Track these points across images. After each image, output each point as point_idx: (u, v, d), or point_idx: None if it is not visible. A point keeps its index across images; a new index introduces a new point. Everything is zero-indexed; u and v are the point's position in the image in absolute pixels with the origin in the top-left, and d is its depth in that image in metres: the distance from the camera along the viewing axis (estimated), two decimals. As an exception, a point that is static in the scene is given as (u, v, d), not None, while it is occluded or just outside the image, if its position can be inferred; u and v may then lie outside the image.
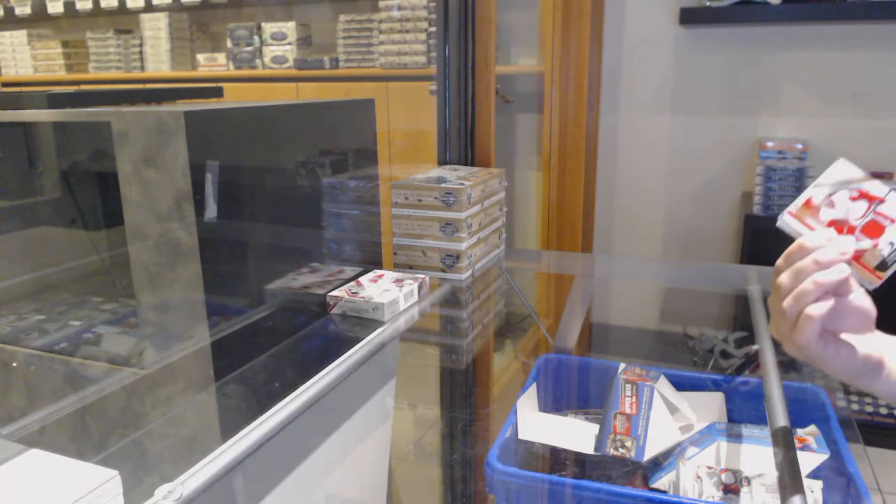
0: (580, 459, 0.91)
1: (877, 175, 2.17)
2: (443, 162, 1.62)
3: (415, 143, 2.60)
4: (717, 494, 0.76)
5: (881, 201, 0.59)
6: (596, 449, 0.88)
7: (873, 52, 2.23)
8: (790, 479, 0.62)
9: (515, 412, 0.91)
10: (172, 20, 3.27)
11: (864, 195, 0.60)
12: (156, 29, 3.30)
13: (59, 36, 3.68)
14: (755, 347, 1.14)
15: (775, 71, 2.36)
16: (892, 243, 0.58)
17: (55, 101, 1.05)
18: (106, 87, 3.30)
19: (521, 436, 0.89)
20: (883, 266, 0.58)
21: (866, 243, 0.59)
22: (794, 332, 0.59)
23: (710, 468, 0.79)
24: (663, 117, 2.54)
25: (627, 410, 0.88)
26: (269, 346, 0.99)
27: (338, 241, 1.21)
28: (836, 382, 0.98)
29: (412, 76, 2.72)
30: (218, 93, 1.45)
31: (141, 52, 3.39)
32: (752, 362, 1.13)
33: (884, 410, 2.14)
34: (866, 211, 0.60)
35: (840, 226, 0.61)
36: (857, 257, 0.59)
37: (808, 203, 0.65)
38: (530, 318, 1.40)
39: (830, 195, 0.63)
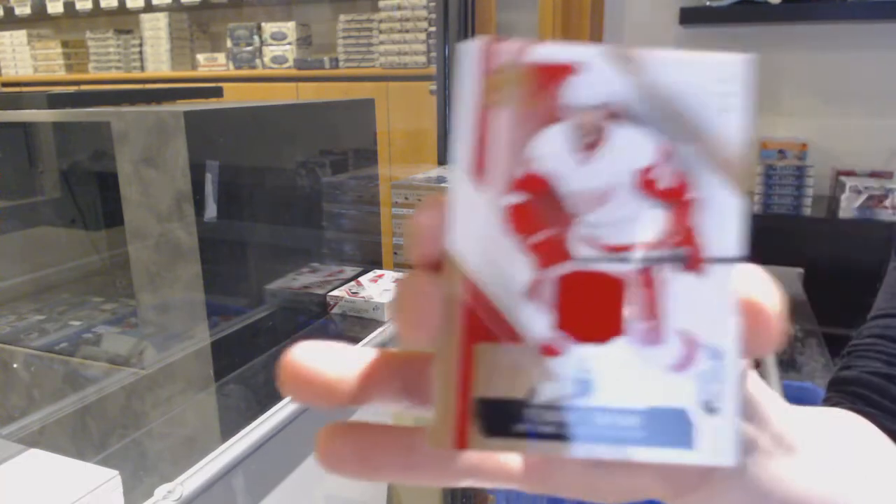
0: (580, 459, 0.91)
1: (876, 175, 2.16)
2: (443, 162, 1.62)
3: (415, 143, 2.60)
4: (718, 494, 0.76)
5: (694, 253, 0.19)
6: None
7: (873, 52, 2.23)
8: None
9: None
10: (172, 20, 3.27)
11: (672, 192, 0.18)
12: (156, 29, 3.30)
13: (59, 36, 3.68)
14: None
15: (775, 71, 2.36)
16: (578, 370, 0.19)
17: (55, 101, 1.05)
18: (106, 87, 3.30)
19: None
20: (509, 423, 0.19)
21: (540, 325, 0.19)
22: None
23: (710, 468, 0.79)
24: (663, 117, 2.54)
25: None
26: (269, 346, 0.99)
27: (338, 241, 1.21)
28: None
29: (412, 76, 2.72)
30: (218, 93, 1.45)
31: (141, 52, 3.39)
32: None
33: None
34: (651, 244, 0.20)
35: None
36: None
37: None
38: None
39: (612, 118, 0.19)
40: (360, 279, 1.18)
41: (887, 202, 2.02)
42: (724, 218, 0.18)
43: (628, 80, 0.18)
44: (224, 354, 0.92)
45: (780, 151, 2.26)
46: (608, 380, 0.18)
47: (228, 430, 0.73)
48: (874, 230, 2.01)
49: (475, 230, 0.18)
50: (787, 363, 1.05)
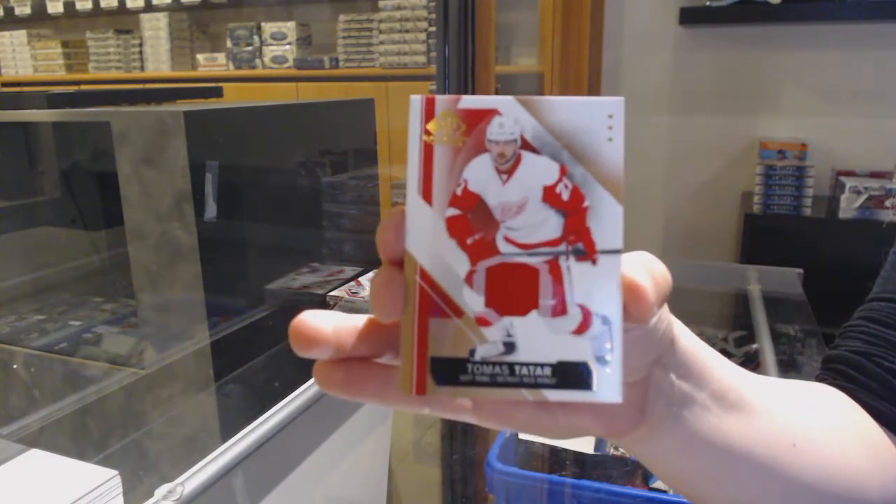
0: (580, 459, 0.91)
1: (876, 175, 2.16)
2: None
3: (415, 143, 2.60)
4: (717, 494, 0.76)
5: (590, 249, 0.25)
6: (596, 448, 0.88)
7: (873, 52, 2.23)
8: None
9: (515, 412, 0.90)
10: (172, 20, 3.27)
11: (568, 204, 0.24)
12: (156, 29, 3.30)
13: (59, 36, 3.68)
14: (755, 346, 1.14)
15: (775, 71, 2.36)
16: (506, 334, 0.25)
17: (55, 101, 1.05)
18: (106, 87, 3.30)
19: (521, 435, 0.89)
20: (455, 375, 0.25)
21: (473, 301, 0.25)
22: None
23: (710, 468, 0.79)
24: (663, 117, 2.54)
25: (627, 410, 0.88)
26: (269, 346, 0.99)
27: (338, 241, 1.21)
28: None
29: (412, 76, 2.72)
30: (218, 93, 1.45)
31: (141, 52, 3.39)
32: (752, 361, 1.13)
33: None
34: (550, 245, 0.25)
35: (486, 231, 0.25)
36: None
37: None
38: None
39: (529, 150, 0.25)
40: (360, 279, 1.18)
41: (887, 202, 2.02)
42: (609, 221, 0.24)
43: (535, 120, 0.24)
44: (224, 354, 0.92)
45: (780, 151, 2.26)
46: (527, 342, 0.24)
47: (228, 430, 0.73)
48: (874, 230, 2.01)
49: (426, 235, 0.24)
50: (787, 363, 1.05)
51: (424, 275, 0.24)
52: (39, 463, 0.55)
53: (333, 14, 2.96)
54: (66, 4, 3.47)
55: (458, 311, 0.24)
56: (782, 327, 1.16)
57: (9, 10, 3.61)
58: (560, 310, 0.24)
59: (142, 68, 3.39)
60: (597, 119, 0.24)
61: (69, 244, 1.27)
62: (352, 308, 1.09)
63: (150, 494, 0.60)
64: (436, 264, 0.24)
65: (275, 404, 0.79)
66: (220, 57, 3.20)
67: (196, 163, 0.86)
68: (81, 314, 1.13)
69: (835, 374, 0.46)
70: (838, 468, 0.36)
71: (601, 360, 0.24)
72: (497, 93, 1.66)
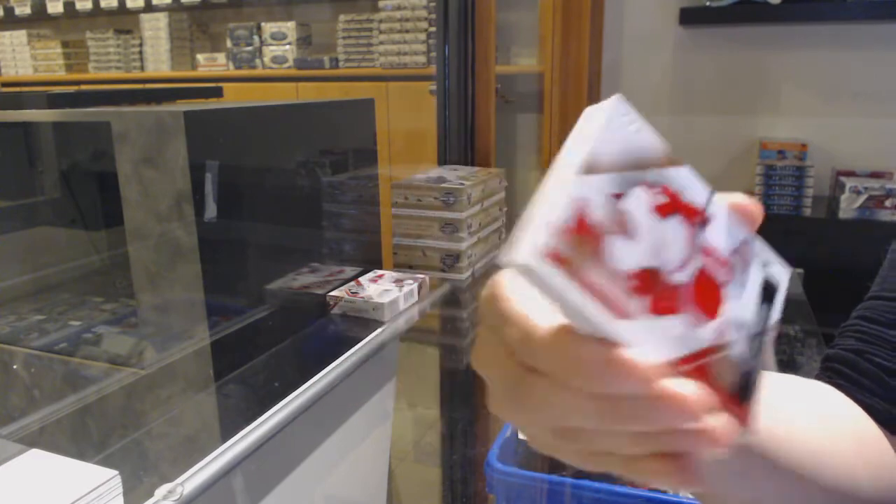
0: (580, 459, 0.91)
1: (876, 175, 2.16)
2: (443, 162, 1.62)
3: (415, 143, 2.60)
4: (717, 494, 0.76)
5: (701, 218, 0.27)
6: (596, 449, 0.88)
7: (873, 52, 2.23)
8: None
9: (515, 412, 0.90)
10: (172, 20, 3.27)
11: (673, 201, 0.26)
12: (156, 29, 3.30)
13: (59, 36, 3.68)
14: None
15: (775, 71, 2.36)
16: (740, 325, 0.27)
17: (55, 101, 1.05)
18: (106, 87, 3.30)
19: (521, 435, 0.89)
20: (745, 388, 0.26)
21: (704, 331, 0.26)
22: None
23: (710, 468, 0.79)
24: (663, 117, 2.54)
25: (627, 410, 0.88)
26: (269, 346, 0.99)
27: (338, 241, 1.21)
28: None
29: (412, 76, 2.72)
30: (218, 93, 1.45)
31: (141, 52, 3.39)
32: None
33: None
34: (687, 241, 0.26)
35: (648, 282, 0.24)
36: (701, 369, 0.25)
37: (579, 224, 0.22)
38: (530, 317, 1.40)
39: (617, 199, 0.24)
40: (360, 279, 1.18)
41: (887, 202, 2.01)
42: (693, 181, 0.29)
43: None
44: (224, 354, 0.92)
45: (780, 152, 2.26)
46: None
47: (228, 430, 0.73)
48: (874, 230, 2.01)
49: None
50: (787, 363, 1.05)
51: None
52: (39, 463, 0.55)
53: (333, 14, 2.96)
54: (66, 4, 3.47)
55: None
56: (782, 327, 1.16)
57: (9, 10, 3.61)
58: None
59: (142, 68, 3.39)
60: (621, 117, 0.25)
61: (69, 244, 1.27)
62: (352, 307, 1.09)
63: (150, 494, 0.60)
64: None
65: (275, 404, 0.79)
66: (220, 57, 3.20)
67: (196, 163, 0.86)
68: (81, 314, 1.13)
69: (831, 372, 0.47)
70: (828, 461, 0.37)
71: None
72: (496, 92, 1.66)
